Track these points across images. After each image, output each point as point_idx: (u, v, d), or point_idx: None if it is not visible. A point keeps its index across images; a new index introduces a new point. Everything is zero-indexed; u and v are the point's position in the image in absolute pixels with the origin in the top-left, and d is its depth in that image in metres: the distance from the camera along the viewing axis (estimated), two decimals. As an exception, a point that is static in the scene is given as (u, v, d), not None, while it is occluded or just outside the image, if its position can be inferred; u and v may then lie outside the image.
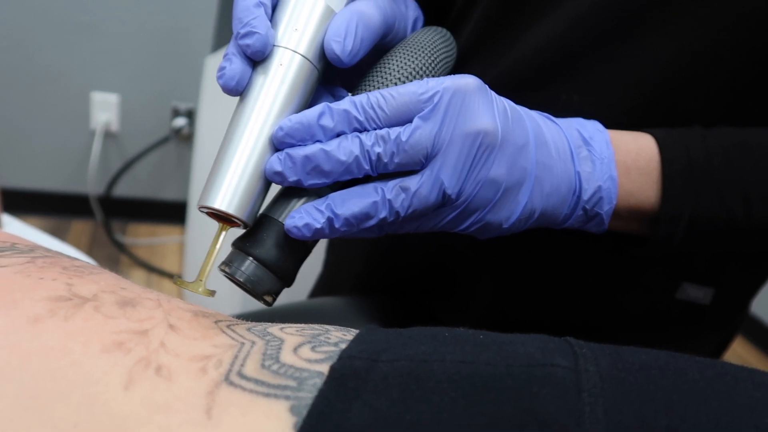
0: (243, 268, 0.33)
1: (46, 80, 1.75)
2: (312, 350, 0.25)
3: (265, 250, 0.33)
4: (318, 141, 0.33)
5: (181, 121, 1.82)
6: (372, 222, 0.33)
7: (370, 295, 0.60)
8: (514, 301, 0.51)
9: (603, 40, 0.42)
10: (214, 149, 1.44)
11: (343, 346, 0.25)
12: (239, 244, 0.34)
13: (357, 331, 0.28)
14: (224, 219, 0.34)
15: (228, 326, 0.27)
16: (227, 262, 0.34)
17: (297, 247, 0.34)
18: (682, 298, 0.47)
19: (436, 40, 0.41)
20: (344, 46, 0.35)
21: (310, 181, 0.33)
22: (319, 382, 0.23)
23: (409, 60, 0.38)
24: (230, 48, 0.35)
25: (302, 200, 0.34)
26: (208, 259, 0.34)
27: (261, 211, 0.35)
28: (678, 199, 0.38)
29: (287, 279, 0.34)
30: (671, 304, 0.48)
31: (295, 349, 0.25)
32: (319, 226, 0.33)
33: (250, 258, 0.33)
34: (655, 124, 0.42)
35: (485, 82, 0.40)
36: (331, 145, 0.33)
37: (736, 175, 0.39)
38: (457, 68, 0.47)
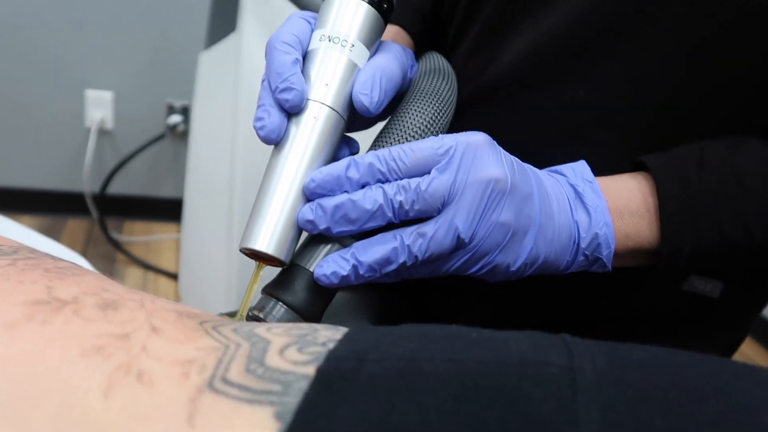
0: (274, 313, 0.36)
1: (40, 78, 1.74)
2: (299, 351, 0.24)
3: (295, 297, 0.37)
4: (345, 191, 0.37)
5: (176, 118, 1.81)
6: (393, 267, 0.36)
7: (368, 291, 0.59)
8: (518, 298, 0.51)
9: (606, 36, 0.43)
10: (209, 146, 1.42)
11: (331, 345, 0.24)
12: (271, 291, 0.37)
13: (346, 329, 0.27)
14: (262, 258, 0.37)
15: (213, 327, 0.26)
16: (259, 308, 0.37)
17: (323, 293, 0.38)
18: (688, 290, 0.47)
19: (441, 87, 0.45)
20: (371, 98, 0.38)
21: (339, 229, 0.36)
22: (304, 385, 0.22)
23: (422, 113, 0.42)
24: (266, 100, 0.38)
25: (327, 248, 0.38)
26: (249, 294, 0.37)
27: (290, 259, 0.38)
28: (677, 235, 0.40)
29: (315, 322, 0.38)
30: (678, 297, 0.48)
31: (281, 351, 0.24)
32: (345, 273, 0.36)
33: (281, 304, 0.37)
34: (658, 120, 0.43)
35: (491, 80, 0.45)
36: (358, 195, 0.36)
37: (734, 206, 0.40)
38: (466, 63, 0.50)
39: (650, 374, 0.22)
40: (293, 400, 0.21)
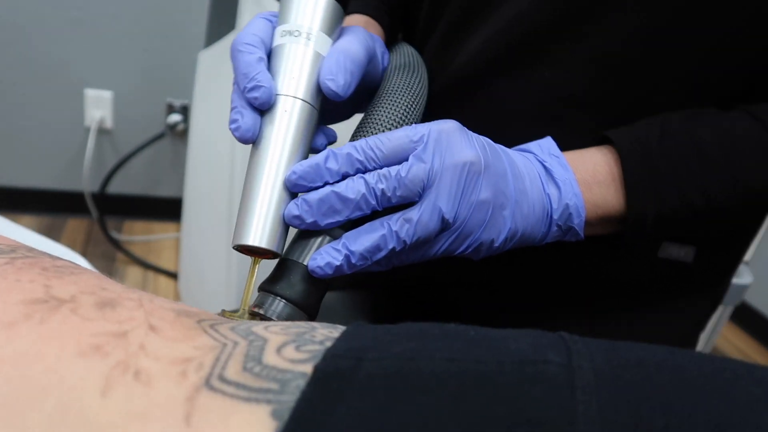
0: (274, 308, 0.38)
1: (39, 77, 1.74)
2: (296, 350, 0.24)
3: (292, 291, 0.38)
4: (326, 182, 0.38)
5: (175, 117, 1.81)
6: (383, 253, 0.38)
7: (364, 289, 0.59)
8: (498, 276, 0.52)
9: (567, 18, 0.45)
10: (208, 145, 1.43)
11: (329, 344, 0.24)
12: (268, 287, 0.38)
13: (344, 327, 0.27)
14: (256, 253, 0.38)
15: (211, 326, 0.26)
16: (259, 304, 0.38)
17: (318, 285, 0.39)
18: (664, 257, 0.50)
19: (412, 81, 0.47)
20: (337, 82, 0.39)
21: (326, 221, 0.37)
22: (302, 383, 0.22)
23: (395, 107, 0.44)
24: (237, 101, 0.39)
25: (319, 241, 0.39)
26: (248, 289, 0.39)
27: (282, 255, 0.39)
28: (641, 201, 0.43)
29: (313, 313, 0.39)
30: (654, 264, 0.50)
31: (279, 349, 0.24)
32: (338, 263, 0.37)
33: (279, 298, 0.38)
34: (621, 98, 0.45)
35: (459, 70, 0.48)
36: (341, 187, 0.37)
37: (694, 172, 0.42)
38: (436, 56, 0.52)
39: (650, 373, 0.21)
40: (290, 398, 0.21)
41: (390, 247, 0.37)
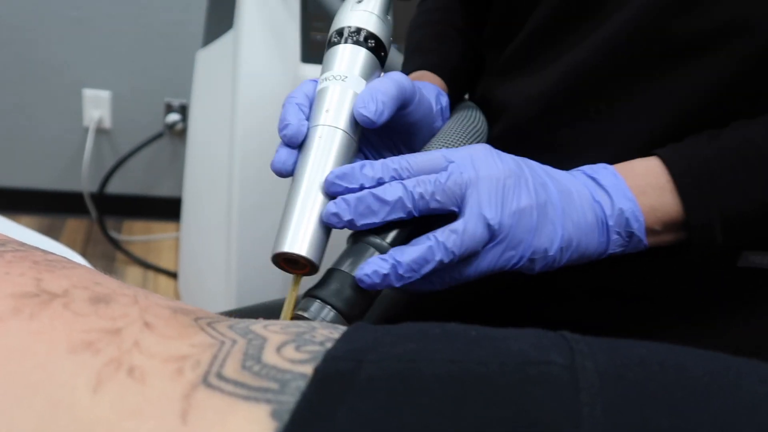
0: (323, 315, 0.38)
1: (37, 77, 1.73)
2: (296, 350, 0.24)
3: (339, 299, 0.38)
4: (363, 186, 0.39)
5: (174, 117, 1.81)
6: (431, 265, 0.38)
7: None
8: (569, 301, 0.51)
9: (631, 68, 0.45)
10: (207, 144, 1.42)
11: (329, 345, 0.24)
12: (314, 293, 0.39)
13: (344, 328, 0.26)
14: (294, 266, 0.39)
15: (208, 324, 0.25)
16: (304, 309, 0.38)
17: (365, 297, 0.39)
18: (744, 266, 0.48)
19: (466, 122, 0.50)
20: (369, 108, 0.41)
21: (362, 221, 0.39)
22: (302, 384, 0.21)
23: (442, 140, 0.47)
24: (279, 144, 0.42)
25: (368, 254, 0.39)
26: (290, 306, 0.39)
27: (330, 266, 0.40)
28: (700, 202, 0.42)
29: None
30: (736, 274, 0.48)
31: (278, 349, 0.23)
32: (385, 272, 0.38)
33: (329, 307, 0.38)
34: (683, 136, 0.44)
35: (523, 105, 0.50)
36: (379, 189, 0.39)
37: (754, 169, 0.41)
38: (497, 91, 0.54)
39: (653, 372, 0.21)
40: (290, 399, 0.21)
41: (437, 258, 0.38)
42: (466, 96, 0.61)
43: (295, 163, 0.42)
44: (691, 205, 0.42)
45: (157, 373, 0.21)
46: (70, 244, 1.78)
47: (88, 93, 1.77)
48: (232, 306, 1.21)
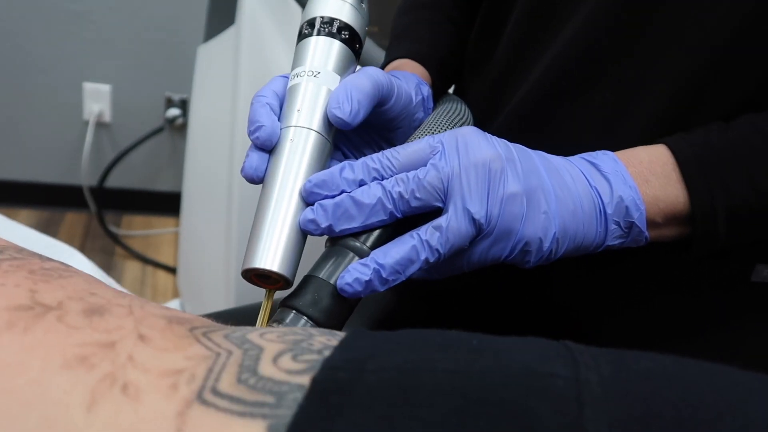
0: (297, 326, 0.35)
1: (37, 71, 1.73)
2: (293, 359, 0.23)
3: (316, 310, 0.36)
4: (343, 191, 0.37)
5: (174, 112, 1.80)
6: (416, 266, 0.36)
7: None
8: (583, 314, 0.50)
9: (619, 36, 0.43)
10: (207, 139, 1.41)
11: (327, 353, 0.23)
12: (290, 304, 0.36)
13: (343, 334, 0.26)
14: (266, 281, 0.37)
15: (204, 334, 0.25)
16: (279, 321, 0.36)
17: (344, 305, 0.37)
18: (758, 281, 0.46)
19: (449, 109, 0.47)
20: (343, 109, 0.39)
21: (341, 226, 0.37)
22: (299, 396, 0.21)
23: (424, 130, 0.45)
24: (248, 148, 0.40)
25: (347, 260, 0.37)
26: (264, 319, 0.37)
27: (307, 273, 0.38)
28: (705, 194, 0.39)
29: None
30: (749, 289, 0.46)
31: (275, 359, 0.23)
32: (367, 278, 0.36)
33: (305, 318, 0.35)
34: (688, 114, 0.42)
35: (519, 99, 0.47)
36: (357, 192, 0.37)
37: (763, 159, 0.39)
38: (491, 91, 0.52)
39: (660, 388, 0.21)
40: (287, 412, 0.20)
41: (422, 258, 0.36)
42: (450, 90, 0.59)
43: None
44: (695, 192, 0.39)
45: (152, 389, 0.21)
46: (69, 238, 1.77)
47: (89, 87, 1.76)
48: (231, 301, 1.21)
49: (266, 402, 0.21)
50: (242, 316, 0.64)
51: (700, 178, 0.39)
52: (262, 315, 0.37)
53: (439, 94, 0.53)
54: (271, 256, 0.35)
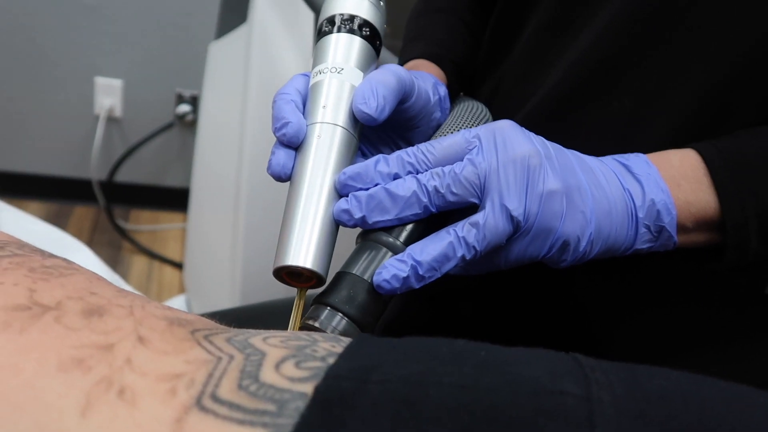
0: (334, 324, 0.35)
1: (50, 64, 1.73)
2: (296, 366, 0.22)
3: (352, 307, 0.35)
4: (377, 185, 0.37)
5: (185, 108, 1.80)
6: (452, 263, 0.36)
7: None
8: (595, 319, 0.49)
9: (640, 43, 0.42)
10: (217, 136, 1.42)
11: (331, 360, 0.23)
12: (325, 300, 0.35)
13: (348, 340, 0.25)
14: (298, 279, 0.36)
15: (205, 337, 0.24)
16: (314, 317, 0.35)
17: (378, 302, 0.36)
18: None
19: (473, 107, 0.47)
20: (369, 105, 0.39)
21: (374, 218, 0.36)
22: (301, 405, 0.20)
23: (450, 125, 0.45)
24: (273, 145, 0.39)
25: (381, 255, 0.36)
26: (297, 317, 0.36)
27: (340, 269, 0.37)
28: (737, 201, 0.38)
29: (369, 332, 0.37)
30: (763, 303, 0.45)
31: (278, 365, 0.22)
32: (405, 274, 0.35)
33: (340, 314, 0.35)
34: (709, 124, 0.41)
35: (534, 105, 0.46)
36: (392, 185, 0.36)
37: None
38: (503, 97, 0.52)
39: (675, 410, 0.20)
40: (288, 422, 0.20)
41: (459, 255, 0.35)
42: (461, 94, 0.59)
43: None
44: (727, 200, 0.38)
45: (149, 393, 0.20)
46: (77, 232, 1.78)
47: (101, 81, 1.77)
48: (237, 298, 1.20)
49: (267, 410, 0.20)
50: (249, 315, 0.63)
51: (731, 185, 0.38)
52: (295, 313, 0.36)
53: (453, 96, 0.52)
54: (304, 253, 0.35)
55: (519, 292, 0.51)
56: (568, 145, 0.42)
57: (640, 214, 0.38)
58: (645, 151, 0.41)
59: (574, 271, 0.41)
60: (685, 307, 0.47)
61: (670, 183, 0.39)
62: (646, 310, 0.48)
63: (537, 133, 0.47)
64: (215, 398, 0.21)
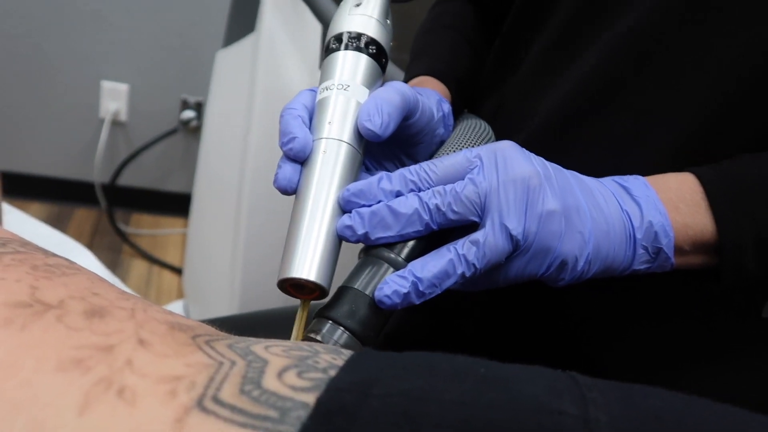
0: (336, 338, 0.35)
1: (57, 68, 1.74)
2: (298, 376, 0.23)
3: (353, 321, 0.36)
4: (380, 201, 0.38)
5: (189, 114, 1.81)
6: (452, 279, 0.36)
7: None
8: (590, 336, 0.49)
9: (642, 64, 0.42)
10: (221, 143, 1.43)
11: (333, 372, 0.23)
12: (326, 314, 0.36)
13: (349, 353, 0.25)
14: (301, 291, 0.37)
15: (206, 342, 0.24)
16: (316, 330, 0.36)
17: (380, 317, 0.37)
18: None
19: (476, 125, 0.48)
20: (374, 122, 0.39)
21: (377, 234, 0.37)
22: (303, 414, 0.20)
23: (452, 144, 0.46)
24: (280, 159, 0.40)
25: (382, 271, 0.37)
26: (300, 329, 0.37)
27: (342, 284, 0.38)
28: (734, 224, 0.39)
29: (370, 345, 0.38)
30: (759, 324, 0.46)
31: (280, 374, 0.23)
32: (406, 290, 0.36)
33: (341, 328, 0.36)
34: (709, 143, 0.42)
35: (538, 122, 0.47)
36: (394, 202, 0.37)
37: None
38: (505, 116, 0.52)
39: (670, 431, 0.20)
40: (290, 429, 0.20)
41: (459, 272, 0.36)
42: (465, 111, 0.60)
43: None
44: (724, 223, 0.39)
45: (149, 394, 0.20)
46: (78, 234, 1.78)
47: (107, 85, 1.78)
48: (235, 304, 1.20)
49: (269, 416, 0.20)
50: (248, 323, 0.63)
51: (728, 208, 0.39)
52: (298, 325, 0.37)
53: (457, 113, 0.53)
54: (308, 265, 0.36)
55: (517, 309, 0.51)
56: (569, 162, 0.42)
57: (638, 235, 0.39)
58: (645, 169, 0.42)
59: (572, 290, 0.42)
60: (680, 324, 0.47)
61: (668, 206, 0.39)
62: (643, 328, 0.48)
63: (539, 149, 0.47)
64: (217, 400, 0.21)
